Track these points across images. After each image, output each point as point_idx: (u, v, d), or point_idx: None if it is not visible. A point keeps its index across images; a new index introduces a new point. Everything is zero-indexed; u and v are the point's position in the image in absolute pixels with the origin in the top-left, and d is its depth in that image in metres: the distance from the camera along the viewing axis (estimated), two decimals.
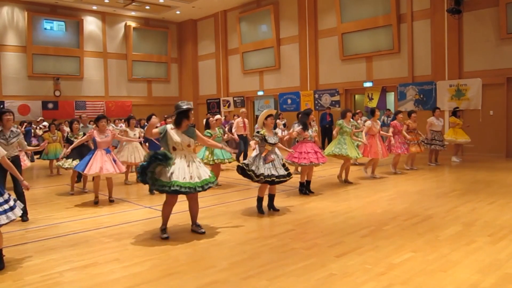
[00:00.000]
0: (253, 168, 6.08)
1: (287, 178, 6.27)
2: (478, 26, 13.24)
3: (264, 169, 6.07)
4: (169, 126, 5.14)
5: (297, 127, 7.58)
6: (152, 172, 4.84)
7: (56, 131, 11.68)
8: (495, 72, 12.92)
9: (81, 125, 9.98)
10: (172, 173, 4.89)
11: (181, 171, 4.95)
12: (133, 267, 4.21)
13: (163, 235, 5.13)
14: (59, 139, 11.58)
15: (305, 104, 17.83)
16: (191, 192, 4.97)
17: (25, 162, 9.21)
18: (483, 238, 4.84)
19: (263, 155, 6.22)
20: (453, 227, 5.33)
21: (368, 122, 9.39)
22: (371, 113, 9.66)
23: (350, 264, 4.13)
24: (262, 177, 6.03)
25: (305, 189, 7.76)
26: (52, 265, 4.33)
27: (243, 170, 6.14)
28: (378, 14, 15.55)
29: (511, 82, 12.77)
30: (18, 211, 4.33)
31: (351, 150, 8.65)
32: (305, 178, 7.75)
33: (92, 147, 7.59)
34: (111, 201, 7.51)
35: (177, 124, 5.12)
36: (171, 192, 4.90)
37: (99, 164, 7.11)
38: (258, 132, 6.29)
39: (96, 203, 7.34)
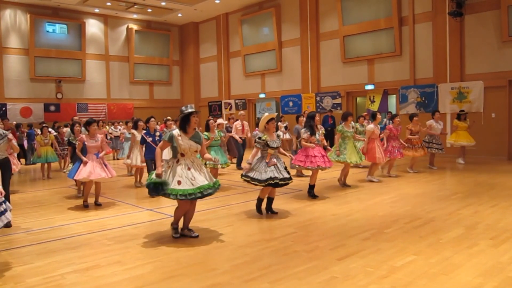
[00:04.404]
0: (255, 175, 6.13)
1: (289, 181, 6.28)
2: (479, 29, 13.24)
3: (267, 173, 6.09)
4: (176, 132, 5.09)
5: (304, 134, 7.50)
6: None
7: (48, 134, 11.62)
8: (497, 74, 12.91)
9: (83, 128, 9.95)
10: (179, 181, 4.91)
11: (195, 174, 5.01)
12: (135, 270, 4.21)
13: (175, 234, 5.23)
14: (50, 142, 11.54)
15: (306, 107, 17.85)
16: (200, 197, 4.99)
17: (13, 166, 8.89)
18: (485, 241, 4.83)
19: (266, 160, 6.21)
20: (455, 230, 5.32)
21: (371, 126, 9.27)
22: (372, 116, 9.58)
23: (352, 267, 4.12)
24: (267, 182, 6.07)
25: (312, 192, 7.72)
26: (54, 267, 4.33)
27: (247, 179, 6.27)
28: (380, 17, 15.57)
29: None
30: (6, 218, 4.25)
31: (351, 156, 8.61)
32: (314, 181, 7.71)
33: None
34: (97, 204, 7.42)
35: (182, 129, 5.11)
36: (180, 198, 4.93)
37: (89, 168, 7.06)
38: (260, 138, 6.28)
39: (86, 206, 7.27)
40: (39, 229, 5.94)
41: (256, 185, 6.20)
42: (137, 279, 3.98)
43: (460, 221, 5.76)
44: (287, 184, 6.29)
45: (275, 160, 6.23)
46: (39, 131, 12.18)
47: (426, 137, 11.16)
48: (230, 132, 12.26)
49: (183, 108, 5.19)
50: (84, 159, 7.15)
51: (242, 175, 6.37)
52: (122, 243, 5.15)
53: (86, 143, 7.23)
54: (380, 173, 10.24)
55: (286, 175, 6.23)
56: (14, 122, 16.72)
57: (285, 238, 5.18)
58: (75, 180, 8.21)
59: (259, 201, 6.47)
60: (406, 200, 7.35)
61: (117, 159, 12.91)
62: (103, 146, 7.51)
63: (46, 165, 11.49)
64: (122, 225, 6.08)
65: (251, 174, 6.20)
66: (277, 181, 6.08)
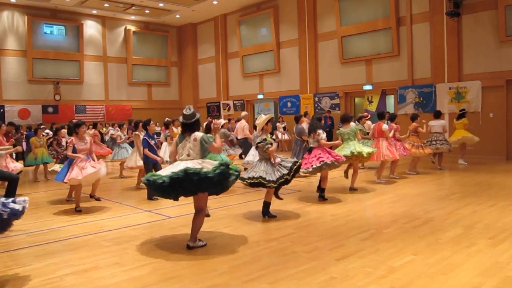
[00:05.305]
0: (266, 176, 6.04)
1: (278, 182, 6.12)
2: (477, 29, 13.27)
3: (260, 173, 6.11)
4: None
5: (323, 134, 7.32)
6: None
7: (42, 135, 11.56)
8: (495, 74, 12.94)
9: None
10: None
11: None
12: (134, 271, 4.21)
13: (203, 242, 5.01)
14: (44, 144, 11.49)
15: (305, 107, 17.86)
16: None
17: (16, 166, 8.89)
18: (484, 241, 4.83)
19: (273, 160, 6.17)
20: (454, 230, 5.33)
21: (385, 126, 9.31)
22: (380, 116, 9.52)
23: (350, 267, 4.12)
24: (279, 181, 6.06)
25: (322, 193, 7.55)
26: (52, 269, 4.32)
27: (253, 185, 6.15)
28: (378, 17, 15.60)
29: (511, 84, 12.79)
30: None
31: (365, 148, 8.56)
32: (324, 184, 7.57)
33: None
34: (97, 199, 7.25)
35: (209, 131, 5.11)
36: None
37: (77, 170, 6.87)
38: (265, 139, 6.21)
39: (79, 211, 7.09)
40: (37, 231, 5.92)
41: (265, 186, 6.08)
42: (136, 280, 3.97)
43: (459, 221, 5.76)
44: (269, 187, 6.12)
45: (279, 159, 6.23)
46: (50, 133, 12.17)
47: (432, 136, 11.08)
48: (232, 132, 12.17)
49: (194, 110, 5.10)
50: (80, 156, 7.01)
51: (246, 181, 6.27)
52: (121, 244, 5.14)
53: (75, 145, 7.11)
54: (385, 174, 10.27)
55: (273, 178, 6.07)
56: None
57: (284, 239, 5.18)
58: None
59: (267, 205, 6.36)
60: (405, 200, 7.36)
61: (111, 160, 12.87)
62: (91, 149, 7.39)
63: (41, 166, 11.44)
64: (120, 226, 6.06)
65: (263, 175, 6.04)
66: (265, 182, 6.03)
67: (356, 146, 8.18)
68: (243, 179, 6.09)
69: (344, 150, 8.17)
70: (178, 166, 4.76)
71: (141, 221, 6.39)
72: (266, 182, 5.98)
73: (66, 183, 7.02)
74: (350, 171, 8.65)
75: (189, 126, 4.99)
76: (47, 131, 13.29)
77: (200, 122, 5.13)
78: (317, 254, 4.55)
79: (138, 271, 4.21)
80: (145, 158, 8.20)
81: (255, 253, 4.67)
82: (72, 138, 7.23)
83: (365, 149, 8.21)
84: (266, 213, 6.35)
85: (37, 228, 6.07)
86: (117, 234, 5.63)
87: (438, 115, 11.36)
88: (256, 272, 4.08)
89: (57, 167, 8.63)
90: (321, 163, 7.07)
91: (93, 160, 7.30)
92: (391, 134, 9.57)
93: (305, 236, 5.33)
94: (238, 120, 12.65)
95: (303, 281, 3.81)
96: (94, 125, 13.45)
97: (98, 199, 7.33)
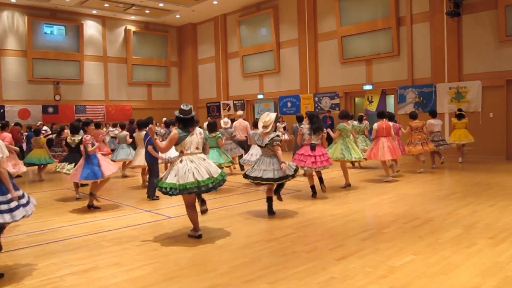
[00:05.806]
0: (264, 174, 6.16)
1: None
2: (477, 29, 13.27)
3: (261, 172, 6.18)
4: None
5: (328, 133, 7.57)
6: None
7: (41, 133, 11.59)
8: (495, 74, 12.93)
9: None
10: None
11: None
12: (134, 271, 4.21)
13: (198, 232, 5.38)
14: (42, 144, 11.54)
15: (305, 107, 17.86)
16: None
17: (21, 168, 8.97)
18: (484, 241, 4.83)
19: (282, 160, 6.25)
20: (454, 230, 5.33)
21: (391, 125, 9.41)
22: (381, 115, 9.50)
23: (350, 267, 4.12)
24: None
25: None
26: (52, 269, 4.32)
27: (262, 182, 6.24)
28: (378, 17, 15.59)
29: (511, 84, 12.79)
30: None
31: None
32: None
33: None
34: (96, 207, 7.33)
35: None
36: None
37: (110, 163, 7.19)
38: (278, 135, 6.30)
39: (93, 195, 7.26)
40: (37, 231, 5.92)
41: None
42: (136, 280, 3.97)
43: (459, 221, 5.76)
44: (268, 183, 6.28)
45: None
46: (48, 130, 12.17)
47: (435, 136, 11.07)
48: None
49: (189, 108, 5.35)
50: (96, 144, 7.22)
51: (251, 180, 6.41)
52: (121, 244, 5.14)
53: (94, 143, 7.26)
54: (382, 173, 10.25)
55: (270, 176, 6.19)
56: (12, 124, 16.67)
57: (284, 239, 5.18)
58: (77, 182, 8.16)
59: (270, 200, 6.49)
60: (405, 200, 7.36)
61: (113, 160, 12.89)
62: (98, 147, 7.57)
63: (40, 166, 11.45)
64: (121, 226, 6.06)
65: (260, 175, 6.19)
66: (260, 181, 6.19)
67: (349, 151, 8.47)
68: (255, 178, 6.18)
69: (331, 152, 8.43)
70: (206, 163, 5.24)
71: (141, 221, 6.39)
72: (285, 179, 6.19)
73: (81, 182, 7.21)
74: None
75: (189, 121, 5.28)
76: (45, 128, 13.26)
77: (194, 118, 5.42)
78: (317, 254, 4.55)
79: (138, 271, 4.21)
80: (151, 157, 8.12)
81: (255, 253, 4.67)
82: (88, 136, 7.26)
83: (353, 155, 8.48)
84: (270, 212, 6.43)
85: (37, 228, 6.07)
86: (117, 234, 5.63)
87: (435, 114, 11.39)
88: (256, 272, 4.08)
89: (67, 166, 8.61)
90: (330, 164, 7.56)
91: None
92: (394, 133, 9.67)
93: (305, 236, 5.33)
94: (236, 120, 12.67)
95: (303, 281, 3.81)
96: (96, 125, 13.39)
97: (97, 207, 7.33)
